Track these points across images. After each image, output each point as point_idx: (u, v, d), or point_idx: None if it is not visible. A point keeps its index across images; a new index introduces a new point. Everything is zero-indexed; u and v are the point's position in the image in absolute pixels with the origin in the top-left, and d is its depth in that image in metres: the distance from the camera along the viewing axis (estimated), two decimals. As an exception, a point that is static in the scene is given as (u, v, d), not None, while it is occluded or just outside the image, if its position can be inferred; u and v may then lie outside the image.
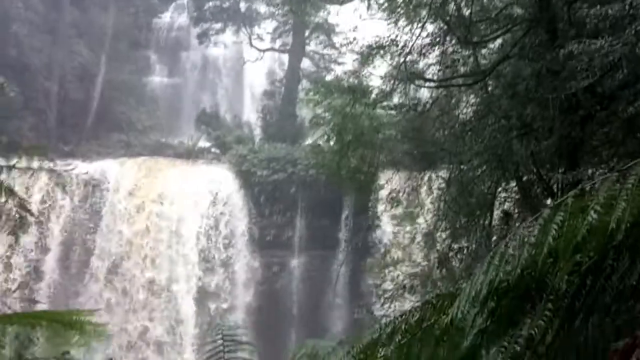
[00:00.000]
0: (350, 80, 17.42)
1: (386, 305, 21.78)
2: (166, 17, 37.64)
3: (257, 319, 27.04)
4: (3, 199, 9.67)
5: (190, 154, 30.16)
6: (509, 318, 3.16)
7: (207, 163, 29.44)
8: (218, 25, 33.34)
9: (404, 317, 3.41)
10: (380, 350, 3.37)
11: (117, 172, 27.73)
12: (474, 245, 15.01)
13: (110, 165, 28.12)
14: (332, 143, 22.86)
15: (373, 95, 16.14)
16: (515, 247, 2.94)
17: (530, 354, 2.99)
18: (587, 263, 2.94)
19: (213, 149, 31.01)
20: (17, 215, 9.65)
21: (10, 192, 10.03)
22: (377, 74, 16.31)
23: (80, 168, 27.54)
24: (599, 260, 2.93)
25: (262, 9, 32.78)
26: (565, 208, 2.85)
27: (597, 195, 2.74)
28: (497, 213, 15.11)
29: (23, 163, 10.81)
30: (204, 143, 31.55)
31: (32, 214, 10.09)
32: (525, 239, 2.91)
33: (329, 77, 29.46)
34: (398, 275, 20.44)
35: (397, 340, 3.29)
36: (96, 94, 33.41)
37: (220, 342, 8.38)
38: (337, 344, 8.31)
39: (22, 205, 9.84)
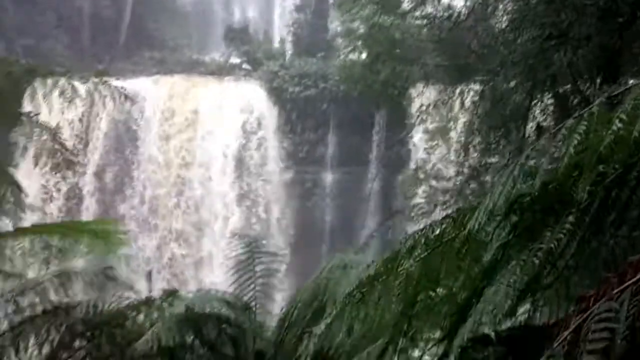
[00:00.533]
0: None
1: (418, 221, 21.95)
2: None
3: (290, 234, 27.65)
4: (44, 137, 9.78)
5: (222, 71, 30.00)
6: (532, 232, 3.12)
7: (238, 80, 29.29)
8: None
9: (423, 231, 3.40)
10: (402, 263, 3.38)
11: (151, 90, 27.85)
12: (506, 160, 14.83)
13: (143, 83, 28.20)
14: (363, 56, 22.40)
15: (404, 5, 15.60)
16: (536, 158, 2.86)
17: (550, 267, 2.97)
18: (612, 175, 2.85)
19: (244, 65, 30.76)
20: (59, 153, 9.76)
21: (47, 128, 10.12)
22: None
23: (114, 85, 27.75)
24: (625, 172, 2.84)
25: None
26: (590, 118, 2.74)
27: (624, 104, 2.62)
28: (531, 126, 14.82)
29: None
30: (235, 59, 31.28)
31: (67, 149, 10.14)
32: (547, 150, 2.83)
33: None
34: (430, 190, 20.43)
35: (416, 254, 3.30)
36: (127, 11, 33.13)
37: (249, 253, 8.58)
38: (358, 250, 8.52)
39: (61, 143, 9.92)
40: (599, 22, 9.11)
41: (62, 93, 8.86)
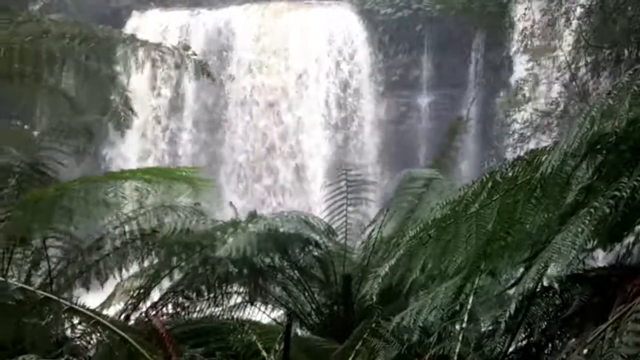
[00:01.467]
0: None
1: (518, 145, 21.20)
2: None
3: (384, 159, 27.56)
4: (113, 96, 10.14)
5: (313, -4, 29.54)
6: (617, 173, 2.89)
7: (329, 4, 28.78)
8: None
9: (492, 174, 3.25)
10: (470, 206, 3.26)
11: (242, 18, 28.01)
12: (618, 80, 13.87)
13: (234, 11, 28.37)
14: (459, -26, 21.24)
15: None
16: (617, 98, 2.60)
17: (633, 213, 2.75)
18: None
19: (334, -11, 30.10)
20: (122, 113, 10.12)
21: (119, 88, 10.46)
22: None
23: (207, 16, 28.18)
24: None
25: None
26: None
27: None
28: (645, 43, 13.71)
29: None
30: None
31: (134, 114, 10.52)
32: (629, 88, 2.55)
33: None
34: (530, 116, 19.56)
35: (484, 195, 3.17)
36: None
37: (344, 182, 8.64)
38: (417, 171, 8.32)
39: (127, 103, 10.26)
40: None
41: (151, 61, 9.09)
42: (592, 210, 2.71)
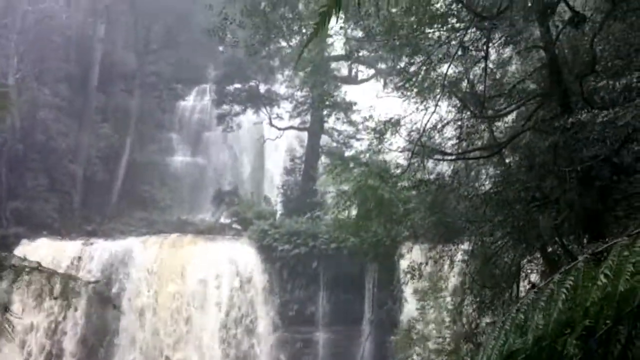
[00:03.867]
0: (368, 156, 17.66)
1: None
2: (189, 101, 39.14)
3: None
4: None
5: (212, 231, 30.41)
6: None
7: (228, 239, 29.60)
8: (238, 108, 34.32)
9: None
10: None
11: (139, 250, 27.97)
12: (500, 320, 14.66)
13: (132, 243, 28.40)
14: (352, 215, 22.90)
15: (391, 171, 16.32)
16: (526, 312, 2.95)
17: None
18: (603, 329, 2.92)
19: (234, 225, 31.25)
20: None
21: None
22: (394, 148, 16.54)
23: (102, 246, 27.93)
24: (615, 326, 2.92)
25: (282, 90, 33.72)
26: (577, 273, 2.88)
27: (606, 261, 2.78)
28: (523, 285, 14.84)
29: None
30: (225, 220, 31.88)
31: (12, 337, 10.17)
32: (537, 305, 2.92)
33: (348, 153, 29.91)
34: (424, 353, 19.90)
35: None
36: (120, 174, 34.20)
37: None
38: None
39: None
40: (580, 187, 9.56)
41: (38, 292, 8.98)
42: None
